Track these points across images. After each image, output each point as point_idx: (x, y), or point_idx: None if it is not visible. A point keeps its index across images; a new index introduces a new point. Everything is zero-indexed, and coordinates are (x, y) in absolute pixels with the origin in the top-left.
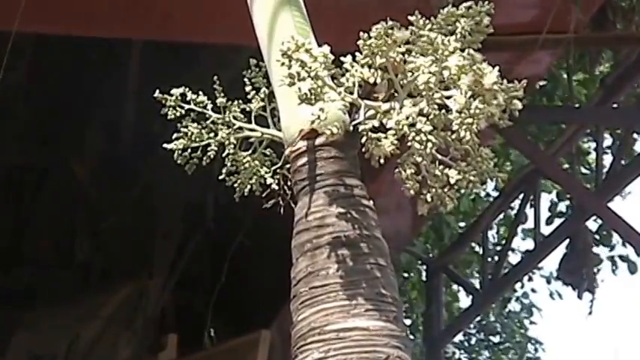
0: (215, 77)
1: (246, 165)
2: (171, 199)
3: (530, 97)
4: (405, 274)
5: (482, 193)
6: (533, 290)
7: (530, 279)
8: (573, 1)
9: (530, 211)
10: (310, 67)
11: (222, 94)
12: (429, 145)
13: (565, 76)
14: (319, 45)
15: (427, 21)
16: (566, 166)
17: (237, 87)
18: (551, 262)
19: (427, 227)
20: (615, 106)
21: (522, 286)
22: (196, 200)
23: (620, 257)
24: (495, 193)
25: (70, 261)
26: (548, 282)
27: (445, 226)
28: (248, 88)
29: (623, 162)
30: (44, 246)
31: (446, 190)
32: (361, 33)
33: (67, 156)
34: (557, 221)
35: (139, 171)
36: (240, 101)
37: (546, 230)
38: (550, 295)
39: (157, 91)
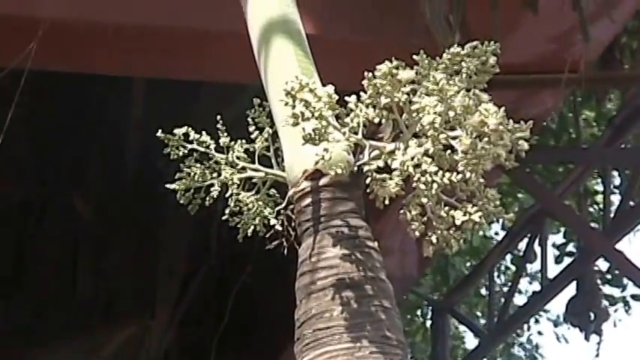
0: (218, 116)
1: (250, 205)
2: (174, 236)
3: (537, 136)
4: (409, 316)
5: (489, 233)
6: (539, 333)
7: (536, 321)
8: (580, 40)
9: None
10: (314, 107)
11: (225, 134)
12: (435, 186)
13: (572, 115)
14: (323, 84)
15: (432, 61)
16: (573, 205)
17: (240, 125)
18: (558, 305)
19: (433, 267)
20: (623, 146)
21: (529, 329)
22: (200, 237)
23: (633, 297)
24: (502, 232)
25: (72, 298)
26: (555, 325)
27: (450, 266)
28: (252, 128)
29: (631, 202)
30: (45, 282)
31: (451, 231)
32: (366, 72)
33: (68, 191)
34: (567, 260)
35: (141, 207)
36: (244, 141)
37: (553, 271)
38: (557, 339)
39: (160, 130)
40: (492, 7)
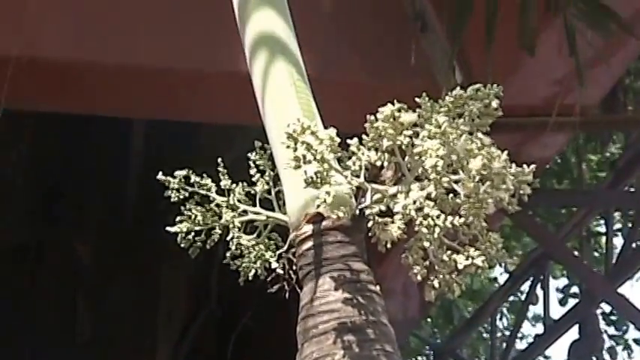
0: (219, 159)
1: (251, 249)
2: (174, 279)
3: (540, 179)
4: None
5: (491, 275)
6: None
7: None
8: (584, 82)
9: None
10: (316, 150)
11: (226, 176)
12: (437, 230)
13: (574, 158)
14: (325, 126)
15: (435, 103)
16: (575, 247)
17: (241, 166)
18: (561, 350)
19: (435, 309)
20: (626, 188)
21: None
22: (200, 280)
23: (635, 341)
24: (504, 274)
25: (72, 339)
26: None
27: (455, 307)
28: (253, 171)
29: (634, 245)
30: (45, 323)
31: (453, 275)
32: (368, 115)
33: (67, 232)
34: (571, 301)
35: (141, 250)
36: (245, 183)
37: (556, 314)
38: None
39: (160, 172)
40: (487, 48)
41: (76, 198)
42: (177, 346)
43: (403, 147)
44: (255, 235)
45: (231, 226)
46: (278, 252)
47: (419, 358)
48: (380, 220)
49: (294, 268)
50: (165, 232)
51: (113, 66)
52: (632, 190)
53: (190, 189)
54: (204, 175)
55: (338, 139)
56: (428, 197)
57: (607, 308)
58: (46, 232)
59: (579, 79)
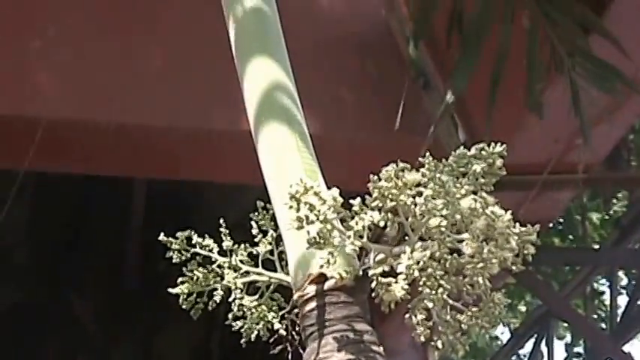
0: (221, 219)
1: (253, 310)
2: (175, 341)
3: (544, 236)
4: None
5: (494, 333)
6: None
7: None
8: (589, 141)
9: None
10: (319, 211)
11: (228, 237)
12: (441, 290)
13: (579, 216)
14: (328, 187)
15: (439, 163)
16: (579, 305)
17: (242, 225)
18: None
19: None
20: (630, 246)
21: None
22: (202, 341)
23: None
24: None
25: None
26: None
27: None
28: (255, 231)
29: (639, 302)
30: None
31: (458, 335)
32: (371, 175)
33: (68, 293)
34: None
35: (142, 310)
36: (247, 244)
37: None
38: None
39: (161, 232)
40: (489, 111)
41: (75, 259)
42: None
43: (406, 207)
44: (257, 296)
45: (233, 287)
46: (281, 313)
47: None
48: (383, 280)
49: (296, 328)
50: (166, 292)
51: (114, 125)
52: (637, 247)
53: (192, 250)
54: (206, 235)
55: (341, 200)
56: (432, 257)
57: None
58: (46, 292)
59: (584, 139)
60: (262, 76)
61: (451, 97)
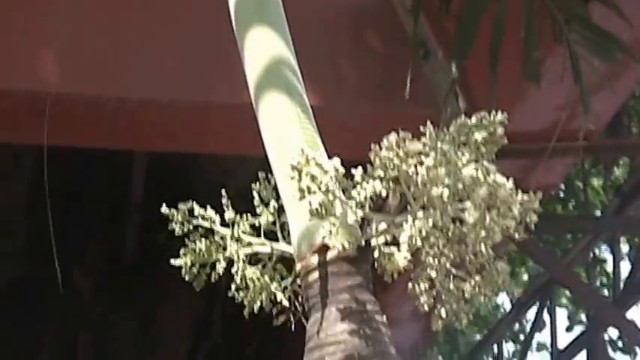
0: (222, 190)
1: (256, 281)
2: (177, 313)
3: (545, 205)
4: None
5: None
6: None
7: None
8: (586, 110)
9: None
10: (321, 181)
11: (229, 208)
12: (443, 259)
13: (580, 183)
14: (329, 157)
15: (440, 132)
16: (582, 273)
17: (243, 197)
18: None
19: (441, 336)
20: (632, 213)
21: None
22: (203, 313)
23: None
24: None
25: None
26: None
27: (460, 334)
28: (257, 202)
29: None
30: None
31: (461, 304)
32: (372, 145)
33: (68, 269)
34: (577, 328)
35: (143, 284)
36: (249, 215)
37: (563, 341)
38: None
39: (163, 204)
40: (493, 81)
41: (76, 232)
42: None
43: (408, 176)
44: (260, 267)
45: (235, 258)
46: (283, 284)
47: None
48: (385, 250)
49: (299, 299)
50: (166, 265)
51: (114, 99)
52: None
53: (194, 221)
54: (208, 207)
55: (342, 170)
56: (434, 226)
57: (613, 335)
58: (45, 268)
59: (585, 106)
60: (262, 47)
61: (456, 71)
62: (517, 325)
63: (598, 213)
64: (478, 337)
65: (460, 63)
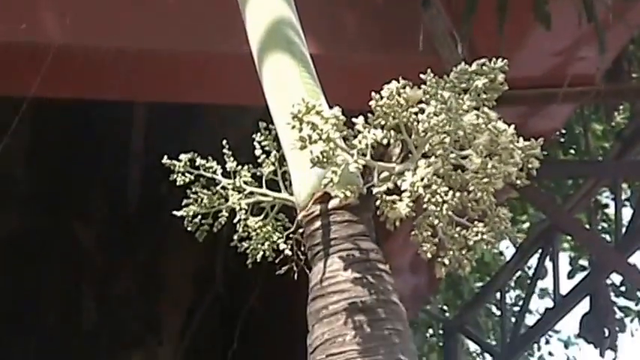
0: (224, 141)
1: (258, 230)
2: (179, 264)
3: (546, 151)
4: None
5: (499, 248)
6: (550, 354)
7: (547, 342)
8: (587, 53)
9: (548, 266)
10: (322, 130)
11: (231, 158)
12: (445, 206)
13: (581, 128)
14: (330, 106)
15: (440, 79)
16: (583, 219)
17: (244, 147)
18: (569, 325)
19: (444, 283)
20: (633, 158)
21: (539, 349)
22: (205, 264)
23: None
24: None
25: (77, 329)
26: (566, 347)
27: (464, 281)
28: (258, 152)
29: None
30: (48, 314)
31: (463, 252)
32: (373, 93)
33: (70, 220)
34: (579, 275)
35: (145, 235)
36: (251, 165)
37: (565, 287)
38: None
39: (163, 156)
40: (500, 24)
41: (77, 184)
42: (184, 330)
43: (409, 124)
44: (262, 217)
45: (237, 208)
46: (286, 233)
47: (430, 333)
48: (387, 198)
49: (302, 248)
50: (168, 215)
51: (114, 49)
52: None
53: (196, 172)
54: (210, 157)
55: (343, 118)
56: (435, 174)
57: (616, 280)
58: (47, 218)
59: (600, 46)
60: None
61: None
62: (519, 272)
63: (599, 158)
64: (481, 284)
65: (468, 17)
